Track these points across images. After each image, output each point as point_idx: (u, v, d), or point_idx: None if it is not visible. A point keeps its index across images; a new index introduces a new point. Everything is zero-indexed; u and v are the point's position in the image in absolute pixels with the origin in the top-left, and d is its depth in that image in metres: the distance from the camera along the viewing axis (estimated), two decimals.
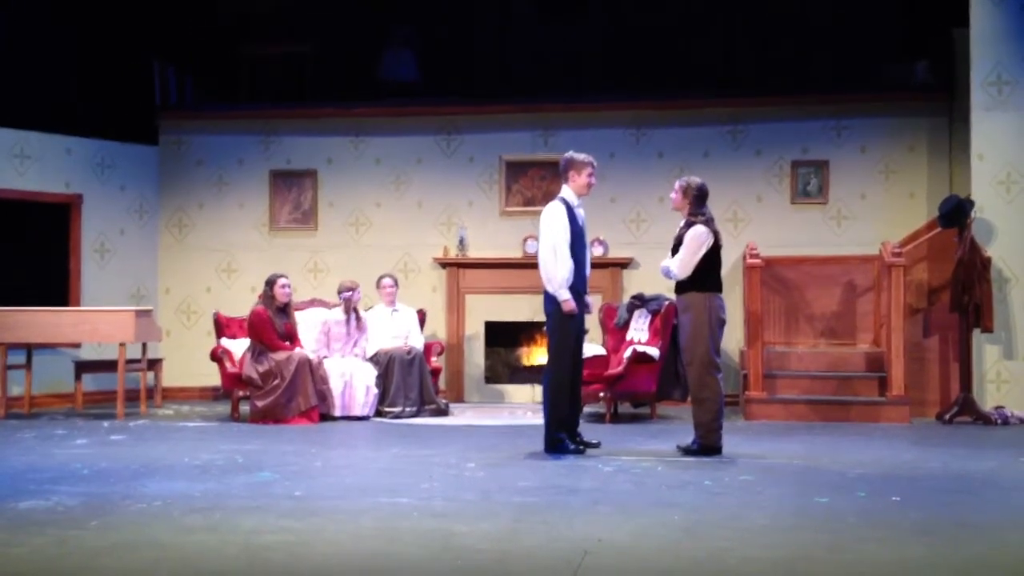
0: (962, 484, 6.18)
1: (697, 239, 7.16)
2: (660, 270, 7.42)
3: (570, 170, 7.41)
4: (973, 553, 4.55)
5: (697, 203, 7.28)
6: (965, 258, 9.26)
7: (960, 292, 9.28)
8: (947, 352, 9.69)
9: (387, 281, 10.34)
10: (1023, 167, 9.61)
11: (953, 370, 9.57)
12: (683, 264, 7.17)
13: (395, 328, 10.15)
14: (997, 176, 9.63)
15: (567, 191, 7.42)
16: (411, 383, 9.75)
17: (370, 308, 10.41)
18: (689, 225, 7.25)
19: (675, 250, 7.29)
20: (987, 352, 9.59)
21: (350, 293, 10.03)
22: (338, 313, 10.08)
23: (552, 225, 7.25)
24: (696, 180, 7.39)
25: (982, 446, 7.83)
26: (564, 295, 7.20)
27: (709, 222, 7.25)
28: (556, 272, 7.19)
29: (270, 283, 9.59)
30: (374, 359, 9.88)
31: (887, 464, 6.91)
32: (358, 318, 10.09)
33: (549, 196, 7.70)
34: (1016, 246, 9.60)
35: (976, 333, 9.43)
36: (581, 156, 7.44)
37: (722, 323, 7.27)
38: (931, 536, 4.82)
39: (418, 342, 10.13)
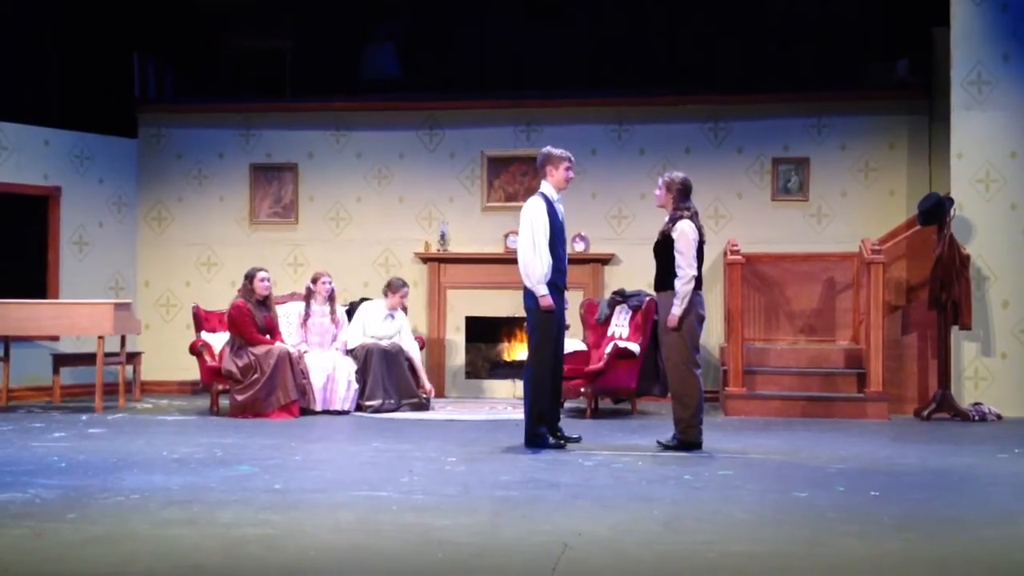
0: (940, 480, 6.22)
1: (685, 237, 7.18)
2: (680, 290, 7.18)
3: (547, 165, 7.43)
4: (950, 548, 4.57)
5: (681, 197, 7.30)
6: (944, 256, 9.32)
7: (939, 289, 9.34)
8: (925, 349, 9.75)
9: (406, 290, 10.21)
10: (1002, 166, 9.67)
11: (931, 367, 9.62)
12: (688, 265, 7.15)
13: (388, 328, 10.09)
14: (976, 174, 9.69)
15: (546, 186, 7.43)
16: (391, 377, 9.73)
17: (366, 300, 10.39)
18: (674, 220, 7.26)
19: (659, 245, 7.30)
20: (965, 349, 9.65)
21: (328, 280, 10.03)
22: (315, 305, 10.04)
23: (532, 220, 7.26)
24: (679, 175, 7.42)
25: (960, 442, 7.88)
26: (542, 290, 7.21)
27: (694, 217, 7.27)
28: (535, 268, 7.20)
29: (250, 277, 9.56)
30: (353, 353, 9.85)
31: (866, 460, 6.94)
32: (333, 311, 10.07)
33: (531, 192, 7.70)
34: (994, 244, 9.67)
35: (954, 330, 9.49)
36: (558, 151, 7.46)
37: (701, 320, 7.29)
38: (909, 531, 4.84)
39: (408, 344, 10.06)
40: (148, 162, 11.68)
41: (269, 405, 9.16)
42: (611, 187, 11.17)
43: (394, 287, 10.18)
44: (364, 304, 10.29)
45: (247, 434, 8.02)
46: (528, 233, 7.24)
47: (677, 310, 7.15)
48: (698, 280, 7.25)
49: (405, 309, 10.48)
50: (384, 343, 9.89)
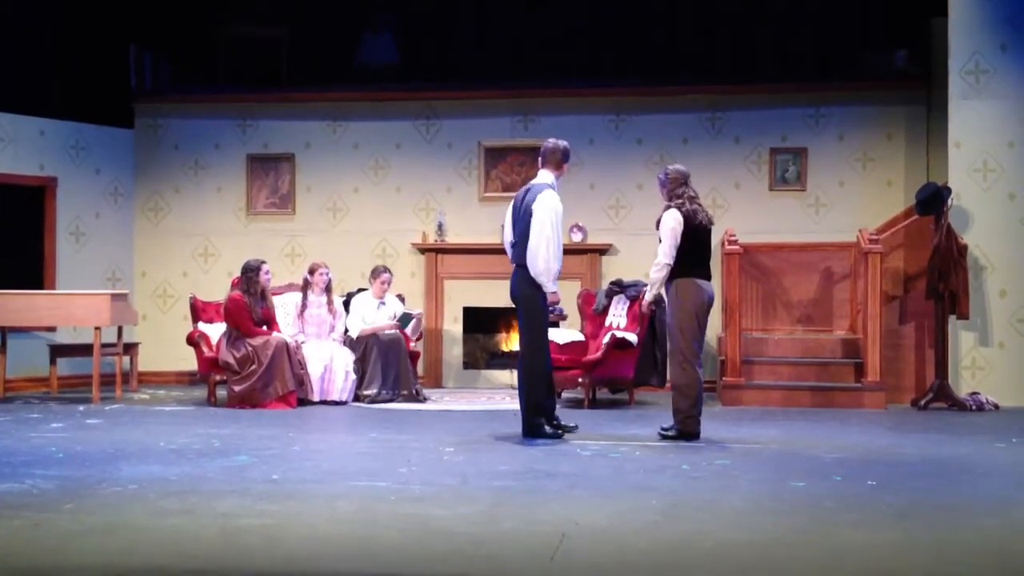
0: (937, 469, 6.23)
1: (666, 226, 7.21)
2: (651, 277, 7.34)
3: (565, 162, 7.42)
4: (948, 536, 4.58)
5: (675, 187, 7.32)
6: (941, 245, 9.32)
7: (936, 279, 9.34)
8: (923, 339, 9.76)
9: (387, 276, 10.18)
10: (1000, 155, 9.67)
11: (928, 357, 9.64)
12: (663, 253, 7.18)
13: (383, 317, 10.06)
14: (974, 164, 9.69)
15: (551, 177, 7.38)
16: (390, 368, 9.71)
17: (360, 291, 10.38)
18: (665, 209, 7.29)
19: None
20: (962, 339, 9.66)
21: (326, 271, 10.00)
22: (312, 296, 10.01)
23: (554, 214, 7.14)
24: (671, 167, 7.48)
25: (957, 432, 7.89)
26: (554, 287, 7.21)
27: (684, 204, 7.24)
28: (553, 263, 7.15)
29: (254, 270, 9.49)
30: (354, 343, 9.82)
31: (863, 449, 6.95)
32: (330, 301, 10.05)
33: (528, 182, 7.62)
34: (992, 234, 9.67)
35: (952, 320, 9.50)
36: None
37: (702, 308, 7.23)
38: (906, 520, 4.85)
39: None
40: (145, 153, 11.66)
41: (267, 396, 9.15)
42: (609, 177, 11.16)
43: (375, 274, 10.17)
44: (358, 295, 10.27)
45: (245, 424, 8.02)
46: (549, 227, 7.11)
47: (648, 296, 7.38)
48: (698, 269, 7.23)
49: (402, 298, 10.45)
50: (385, 328, 9.86)
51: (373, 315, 10.05)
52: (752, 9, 11.44)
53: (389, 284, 10.18)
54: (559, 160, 7.38)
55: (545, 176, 7.39)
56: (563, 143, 7.45)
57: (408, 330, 9.97)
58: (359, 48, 11.85)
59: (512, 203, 7.46)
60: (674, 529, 4.65)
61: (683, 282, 7.19)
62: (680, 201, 7.25)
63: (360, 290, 10.56)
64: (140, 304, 11.38)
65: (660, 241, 7.28)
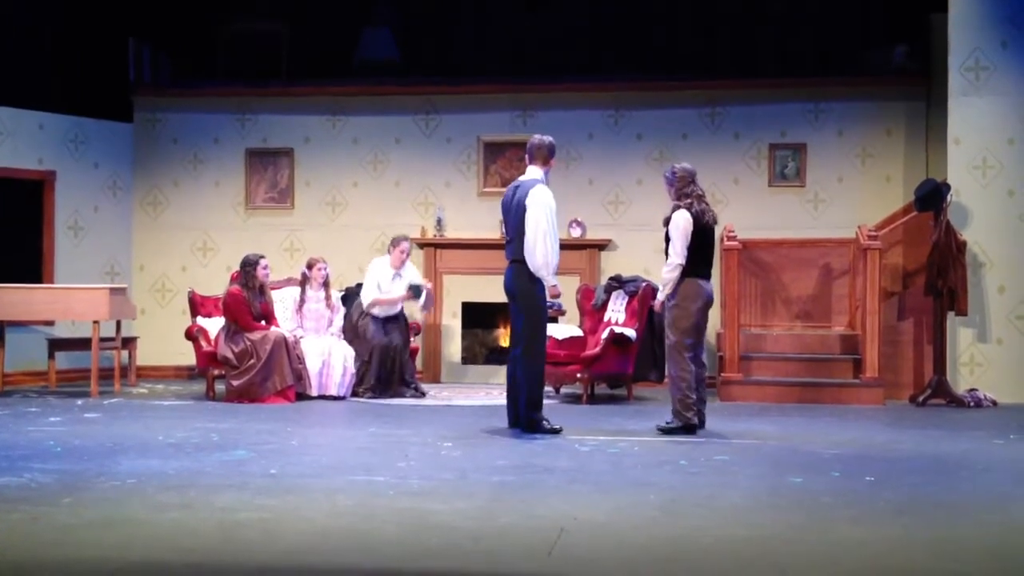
0: (935, 465, 6.24)
1: (676, 227, 7.25)
2: (663, 276, 7.41)
3: (551, 157, 7.46)
4: (946, 532, 4.58)
5: (682, 185, 7.37)
6: (940, 242, 9.32)
7: (935, 276, 9.35)
8: (921, 335, 9.76)
9: (406, 244, 9.99)
10: (999, 152, 9.67)
11: (927, 353, 9.64)
12: (676, 253, 7.25)
13: (397, 288, 9.95)
14: (973, 161, 9.69)
15: (541, 174, 7.40)
16: (390, 372, 9.68)
17: (357, 287, 10.36)
18: (674, 209, 7.33)
19: (666, 233, 7.36)
20: (961, 335, 9.66)
21: (324, 266, 9.96)
22: (310, 291, 9.98)
23: (549, 210, 7.18)
24: (677, 166, 7.54)
25: (955, 428, 7.89)
26: (554, 280, 7.25)
27: (692, 204, 7.29)
28: (552, 257, 7.18)
29: (252, 264, 9.48)
30: (359, 345, 9.76)
31: (861, 445, 6.96)
32: (328, 296, 10.03)
33: (516, 179, 7.64)
34: (991, 230, 9.67)
35: (950, 316, 9.50)
36: None
37: (701, 307, 7.27)
38: (904, 515, 4.85)
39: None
40: (143, 147, 11.64)
41: (265, 390, 9.15)
42: (608, 173, 11.15)
43: (394, 242, 10.04)
44: (374, 261, 10.15)
45: (243, 419, 8.02)
46: (544, 221, 7.14)
47: (660, 295, 7.47)
48: (699, 268, 7.27)
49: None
50: (398, 300, 9.80)
51: (388, 284, 9.95)
52: (752, 9, 11.42)
53: (408, 254, 10.07)
54: (546, 155, 7.42)
55: (534, 172, 7.42)
56: (548, 138, 7.49)
57: (420, 302, 9.92)
58: (358, 42, 11.82)
59: (503, 200, 7.51)
60: (672, 524, 4.65)
61: (684, 281, 7.27)
62: (689, 201, 7.30)
63: (359, 285, 10.54)
64: (138, 298, 11.37)
65: (667, 240, 7.32)
